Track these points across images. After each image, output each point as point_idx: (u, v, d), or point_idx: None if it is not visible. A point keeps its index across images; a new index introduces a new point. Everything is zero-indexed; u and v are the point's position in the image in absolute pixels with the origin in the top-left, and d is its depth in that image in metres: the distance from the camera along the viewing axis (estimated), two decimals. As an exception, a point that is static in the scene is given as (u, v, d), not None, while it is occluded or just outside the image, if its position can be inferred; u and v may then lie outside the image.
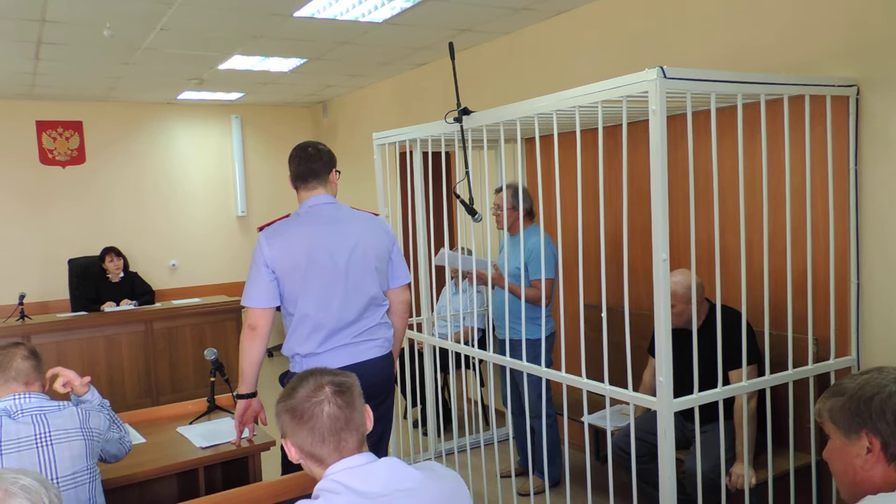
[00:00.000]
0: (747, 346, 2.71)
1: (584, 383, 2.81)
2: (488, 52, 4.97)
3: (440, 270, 4.16)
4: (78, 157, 6.90)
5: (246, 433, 2.77)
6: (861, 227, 2.94)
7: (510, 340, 3.37)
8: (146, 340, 5.63)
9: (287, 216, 2.72)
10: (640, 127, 2.87)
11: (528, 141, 4.42)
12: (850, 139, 2.90)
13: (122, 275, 6.05)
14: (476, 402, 4.84)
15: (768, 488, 2.88)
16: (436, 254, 3.86)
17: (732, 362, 2.77)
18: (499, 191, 3.81)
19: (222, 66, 5.43)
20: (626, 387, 2.64)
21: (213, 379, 3.14)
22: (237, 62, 5.30)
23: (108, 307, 5.76)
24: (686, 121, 2.50)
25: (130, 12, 3.92)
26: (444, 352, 4.34)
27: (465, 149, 3.22)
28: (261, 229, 2.70)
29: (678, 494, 2.53)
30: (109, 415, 2.35)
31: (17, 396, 2.12)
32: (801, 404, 2.96)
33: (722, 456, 2.72)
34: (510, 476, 3.94)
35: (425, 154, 3.95)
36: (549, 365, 3.48)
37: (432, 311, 4.26)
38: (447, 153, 3.94)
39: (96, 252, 6.18)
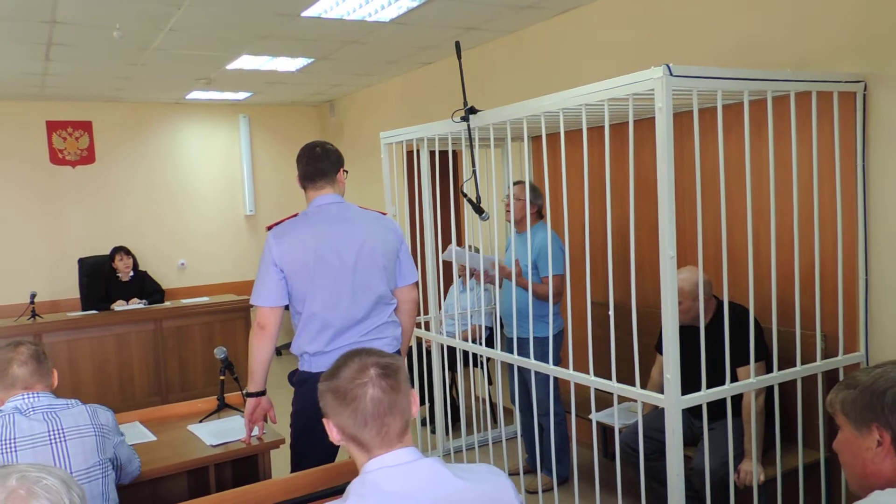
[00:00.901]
0: (755, 343, 2.71)
1: (592, 381, 2.82)
2: (495, 50, 4.97)
3: (448, 269, 4.16)
4: (88, 157, 6.95)
5: (256, 431, 2.79)
6: (869, 223, 2.93)
7: (518, 338, 3.38)
8: (156, 339, 5.66)
9: (295, 215, 2.73)
10: (646, 124, 2.87)
11: (535, 139, 4.42)
12: (857, 135, 2.89)
13: (131, 274, 6.08)
14: (484, 400, 4.84)
15: (777, 485, 2.88)
16: (443, 252, 3.86)
17: (740, 359, 2.77)
18: (518, 183, 3.81)
19: (230, 66, 5.46)
20: (633, 384, 2.65)
21: (222, 377, 3.16)
22: (245, 62, 5.33)
23: (119, 306, 5.80)
24: (693, 118, 2.50)
25: (139, 13, 3.95)
26: (451, 350, 4.35)
27: (472, 147, 3.23)
28: (269, 228, 2.72)
29: (686, 491, 2.54)
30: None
31: (26, 396, 2.14)
32: (809, 401, 2.95)
33: (730, 453, 2.73)
34: (518, 473, 3.94)
35: (432, 153, 3.95)
36: (557, 363, 3.49)
37: (440, 309, 4.28)
38: (454, 152, 3.94)
39: (106, 251, 6.23)
